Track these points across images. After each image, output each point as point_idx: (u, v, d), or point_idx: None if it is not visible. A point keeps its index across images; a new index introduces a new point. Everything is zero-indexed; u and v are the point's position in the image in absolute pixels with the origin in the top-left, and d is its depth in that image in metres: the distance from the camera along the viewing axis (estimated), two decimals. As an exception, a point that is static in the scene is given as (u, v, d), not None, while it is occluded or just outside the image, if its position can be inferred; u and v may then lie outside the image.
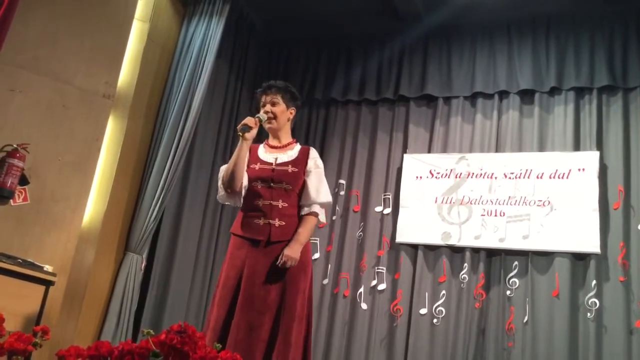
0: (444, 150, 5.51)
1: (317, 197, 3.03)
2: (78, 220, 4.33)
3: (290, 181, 3.02)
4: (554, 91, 5.27)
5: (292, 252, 2.89)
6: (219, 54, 5.19)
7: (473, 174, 5.30)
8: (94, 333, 4.45)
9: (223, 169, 3.13)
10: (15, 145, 4.05)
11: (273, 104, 3.15)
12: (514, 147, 5.27)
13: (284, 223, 2.96)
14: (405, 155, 5.60)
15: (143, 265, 4.78)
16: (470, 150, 5.41)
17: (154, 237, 4.87)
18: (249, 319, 2.82)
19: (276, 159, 3.09)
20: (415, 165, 5.51)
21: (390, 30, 5.83)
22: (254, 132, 3.02)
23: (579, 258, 4.80)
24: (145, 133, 4.95)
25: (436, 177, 5.41)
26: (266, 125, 3.15)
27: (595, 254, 4.70)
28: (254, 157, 3.12)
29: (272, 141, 3.20)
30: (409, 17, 5.65)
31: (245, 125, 2.98)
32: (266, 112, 3.13)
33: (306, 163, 3.08)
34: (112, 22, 4.65)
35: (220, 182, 3.11)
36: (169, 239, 5.05)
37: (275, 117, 3.14)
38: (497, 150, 5.33)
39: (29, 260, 3.46)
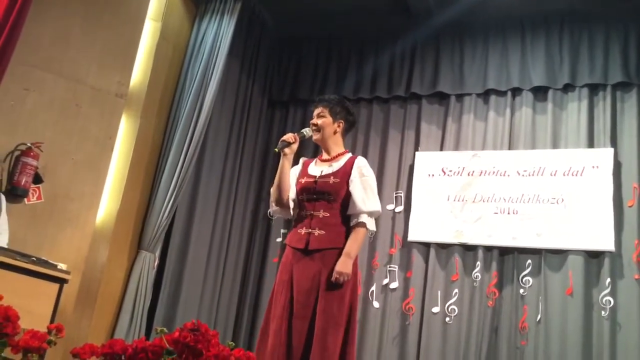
0: (456, 148, 5.48)
1: (363, 207, 3.00)
2: (91, 219, 4.36)
3: (332, 192, 3.04)
4: (567, 88, 5.22)
5: (343, 267, 2.89)
6: (230, 52, 5.19)
7: (486, 171, 5.27)
8: (108, 331, 4.48)
9: None
10: (29, 144, 4.08)
11: (319, 117, 3.20)
12: (527, 144, 5.23)
13: (323, 232, 2.99)
14: (417, 153, 5.58)
15: (156, 263, 4.80)
16: (483, 148, 5.38)
17: (166, 235, 4.89)
18: (290, 323, 2.90)
19: (321, 171, 3.13)
20: (427, 163, 5.49)
21: (402, 27, 5.81)
22: (294, 147, 3.10)
23: (593, 256, 4.76)
24: (157, 132, 4.97)
25: (448, 175, 5.39)
26: (313, 138, 3.22)
27: (610, 252, 4.67)
28: (303, 172, 3.20)
29: (323, 154, 3.25)
30: (420, 13, 5.63)
31: (284, 141, 3.07)
32: (312, 125, 3.20)
33: (350, 173, 3.08)
34: (125, 22, 4.67)
35: (271, 198, 3.22)
36: (181, 237, 5.07)
37: (319, 130, 3.18)
38: (510, 148, 5.29)
39: (43, 258, 3.48)
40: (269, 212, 5.85)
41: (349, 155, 3.21)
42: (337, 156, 3.18)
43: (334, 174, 3.08)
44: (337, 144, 3.22)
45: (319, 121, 3.18)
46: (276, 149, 3.09)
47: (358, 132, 5.86)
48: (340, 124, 3.21)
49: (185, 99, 4.99)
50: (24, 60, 4.12)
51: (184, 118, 4.91)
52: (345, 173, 3.08)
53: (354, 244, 2.97)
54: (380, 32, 5.97)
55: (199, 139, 4.90)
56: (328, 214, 3.02)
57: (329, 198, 3.03)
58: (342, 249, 2.96)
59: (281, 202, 3.14)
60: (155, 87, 4.91)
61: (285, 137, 3.10)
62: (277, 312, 2.93)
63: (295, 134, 3.14)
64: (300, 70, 6.27)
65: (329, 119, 3.18)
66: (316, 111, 3.22)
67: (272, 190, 3.18)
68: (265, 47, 6.15)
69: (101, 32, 4.54)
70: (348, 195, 3.04)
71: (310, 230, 3.01)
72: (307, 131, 3.19)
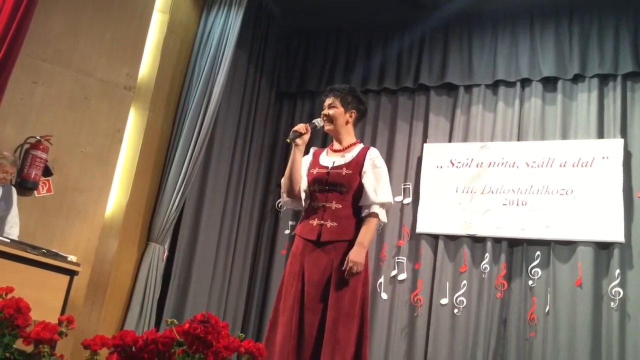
0: (465, 139, 5.45)
1: (375, 198, 2.97)
2: (101, 211, 4.39)
3: (344, 183, 3.01)
4: (577, 78, 5.18)
5: (356, 256, 2.87)
6: (238, 45, 5.19)
7: (494, 163, 5.24)
8: (118, 322, 4.51)
9: None
10: (38, 137, 4.11)
11: (330, 107, 3.16)
12: (537, 135, 5.20)
13: (335, 224, 2.97)
14: (425, 145, 5.56)
15: (165, 255, 4.82)
16: (492, 139, 5.35)
17: (175, 227, 4.91)
18: (301, 316, 2.88)
19: (333, 162, 3.09)
20: (436, 155, 5.47)
21: (410, 18, 5.78)
22: (305, 138, 3.05)
23: (603, 247, 4.73)
24: (166, 124, 4.98)
25: (457, 167, 5.37)
26: (325, 128, 3.18)
27: (619, 243, 4.64)
28: (314, 162, 3.15)
29: (334, 144, 3.21)
30: (428, 4, 5.59)
31: (296, 132, 3.03)
32: (324, 116, 3.16)
33: (362, 164, 3.05)
34: (133, 14, 4.68)
35: (282, 189, 3.17)
36: (190, 229, 5.09)
37: (331, 120, 3.14)
38: (519, 139, 5.26)
39: (53, 250, 3.50)
40: (278, 204, 5.87)
41: (361, 145, 3.18)
42: (349, 147, 3.15)
43: (347, 165, 3.05)
44: (348, 134, 3.18)
45: (331, 111, 3.13)
46: (288, 140, 3.04)
47: (366, 123, 5.83)
48: (352, 114, 3.17)
49: (193, 92, 4.99)
50: (33, 53, 4.14)
51: (192, 110, 4.92)
52: (357, 164, 3.05)
53: (367, 234, 2.94)
54: (388, 23, 5.93)
55: (207, 131, 4.91)
56: (340, 206, 2.99)
57: (341, 189, 3.01)
58: (354, 240, 2.93)
59: (292, 193, 3.10)
60: (163, 79, 4.91)
61: (296, 128, 3.05)
62: (287, 304, 2.92)
63: (307, 124, 3.11)
64: (308, 62, 6.25)
65: (341, 109, 3.14)
66: (327, 101, 3.18)
67: (283, 181, 3.13)
68: (272, 39, 6.14)
69: (109, 25, 4.55)
70: (360, 186, 3.02)
71: (322, 221, 2.98)
72: (318, 121, 3.15)
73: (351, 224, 2.98)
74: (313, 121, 3.15)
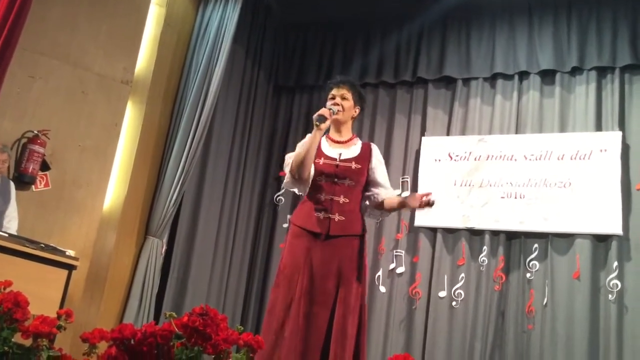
0: (463, 132, 5.45)
1: (392, 192, 3.12)
2: (99, 205, 4.39)
3: (354, 177, 3.05)
4: (575, 71, 5.18)
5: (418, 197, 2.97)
6: (235, 38, 5.17)
7: (492, 156, 5.24)
8: (116, 316, 4.52)
9: (291, 156, 3.15)
10: (35, 132, 4.10)
11: (343, 98, 3.17)
12: (535, 128, 5.20)
13: (343, 218, 2.99)
14: (423, 138, 5.56)
15: (163, 249, 4.82)
16: (490, 132, 5.35)
17: (174, 221, 4.91)
18: (308, 309, 2.88)
19: (340, 154, 3.10)
20: (434, 148, 5.47)
21: (408, 11, 5.76)
22: (327, 123, 3.03)
23: (600, 239, 4.74)
24: (163, 118, 4.97)
25: (455, 160, 5.37)
26: (332, 117, 3.14)
27: (617, 235, 4.65)
28: (319, 152, 3.14)
29: (334, 135, 3.21)
30: (426, -3, 5.58)
31: (321, 115, 3.00)
32: (336, 105, 3.14)
33: (370, 160, 3.12)
34: (129, 7, 4.66)
35: (288, 169, 3.12)
36: (188, 223, 5.09)
37: (343, 111, 3.15)
38: (517, 132, 5.26)
39: (51, 244, 3.51)
40: (276, 198, 5.88)
41: (359, 140, 3.23)
42: (350, 139, 3.18)
43: (355, 159, 3.09)
44: (348, 129, 3.22)
45: (343, 102, 3.15)
46: (316, 123, 2.96)
47: (364, 117, 5.83)
48: (357, 110, 3.23)
49: (191, 86, 4.98)
50: (30, 47, 4.12)
51: (189, 104, 4.91)
52: (365, 159, 3.10)
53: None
54: (386, 16, 5.91)
55: (205, 125, 4.90)
56: (347, 200, 3.02)
57: (350, 183, 3.04)
58: (359, 235, 3.00)
59: (302, 176, 3.02)
60: (160, 73, 4.90)
61: (323, 112, 3.00)
62: (295, 295, 2.92)
63: (329, 110, 3.07)
64: (306, 55, 6.23)
65: (351, 102, 3.17)
66: (340, 92, 3.17)
67: (295, 162, 3.04)
68: (270, 33, 6.12)
69: (106, 19, 4.53)
70: (367, 181, 3.10)
71: (329, 215, 2.99)
72: (334, 109, 3.12)
73: (357, 219, 3.04)
74: (330, 108, 3.10)
